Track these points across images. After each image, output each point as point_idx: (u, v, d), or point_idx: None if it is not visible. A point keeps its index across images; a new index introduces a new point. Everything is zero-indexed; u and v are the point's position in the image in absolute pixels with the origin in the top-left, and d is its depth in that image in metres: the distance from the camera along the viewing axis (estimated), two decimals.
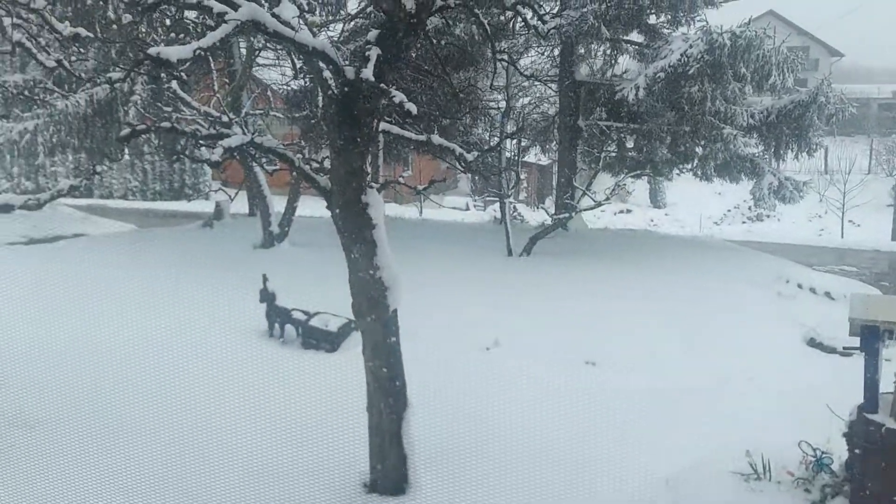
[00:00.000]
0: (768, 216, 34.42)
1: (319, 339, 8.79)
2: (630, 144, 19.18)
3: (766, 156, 17.66)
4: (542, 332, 9.62)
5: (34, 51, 6.14)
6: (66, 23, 6.12)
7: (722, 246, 19.18)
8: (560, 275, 13.58)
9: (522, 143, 21.91)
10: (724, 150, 16.10)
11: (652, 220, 35.73)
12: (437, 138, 5.08)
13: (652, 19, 17.43)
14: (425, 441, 5.62)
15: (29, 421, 6.07)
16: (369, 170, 4.94)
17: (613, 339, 9.42)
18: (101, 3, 5.92)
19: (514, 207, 24.04)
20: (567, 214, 16.21)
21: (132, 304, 9.48)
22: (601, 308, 11.02)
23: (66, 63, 6.41)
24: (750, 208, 34.55)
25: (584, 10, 15.37)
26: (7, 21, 5.63)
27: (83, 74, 10.22)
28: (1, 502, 5.03)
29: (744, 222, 35.27)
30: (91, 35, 6.17)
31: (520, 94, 22.30)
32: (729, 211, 37.07)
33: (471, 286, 12.20)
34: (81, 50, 7.26)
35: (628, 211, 38.36)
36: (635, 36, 18.30)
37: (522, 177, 28.83)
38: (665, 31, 17.48)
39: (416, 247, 15.43)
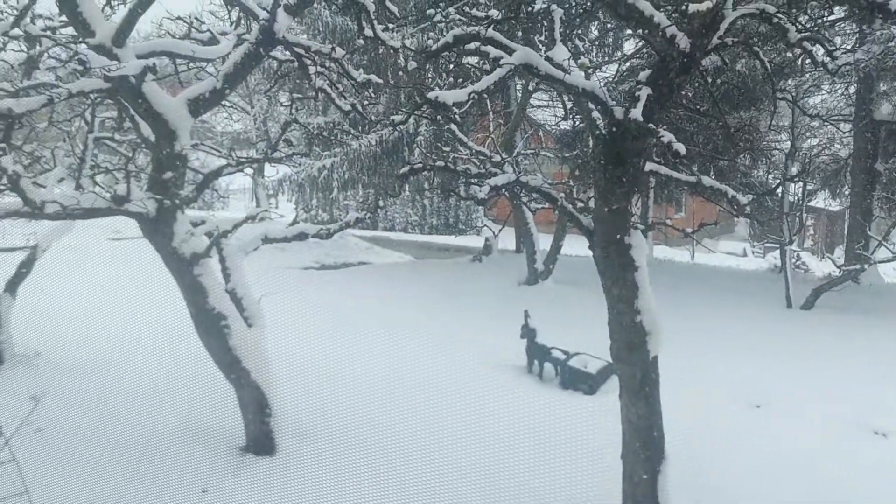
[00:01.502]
0: None
1: (578, 380, 8.69)
2: None
3: None
4: (821, 393, 8.74)
5: (333, 96, 6.78)
6: (360, 70, 6.72)
7: None
8: (847, 332, 12.31)
9: (808, 187, 20.34)
10: None
11: None
12: (708, 179, 4.85)
13: None
14: (680, 496, 5.33)
15: (307, 432, 6.62)
16: (635, 210, 4.83)
17: None
18: (391, 51, 6.40)
19: (798, 256, 22.31)
20: (859, 266, 14.68)
21: (403, 329, 10.09)
22: None
23: (358, 107, 7.00)
24: None
25: (890, 44, 13.99)
26: (312, 69, 6.28)
27: (373, 117, 11.15)
28: None
29: None
30: (381, 81, 6.73)
31: (807, 134, 20.77)
32: None
33: (742, 337, 11.47)
34: (372, 95, 7.91)
35: None
36: None
37: (808, 223, 26.71)
38: None
39: (684, 292, 14.85)
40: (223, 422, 6.41)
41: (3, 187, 7.18)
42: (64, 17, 6.13)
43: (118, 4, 6.66)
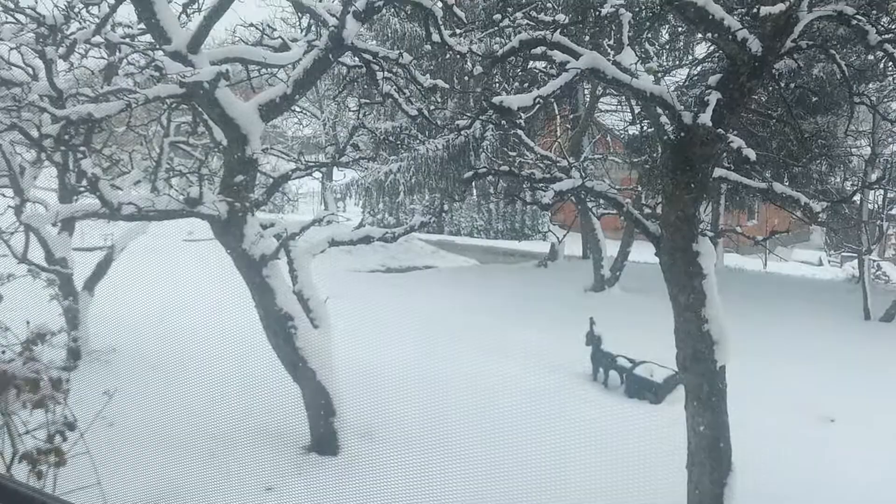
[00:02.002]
0: None
1: (643, 389, 8.57)
2: None
3: None
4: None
5: (400, 101, 6.85)
6: (427, 75, 6.77)
7: None
8: None
9: (890, 194, 19.62)
10: None
11: None
12: (779, 186, 4.73)
13: None
14: None
15: (370, 432, 6.68)
16: (704, 217, 4.75)
17: None
18: (458, 57, 6.43)
19: (877, 266, 21.47)
20: None
21: (468, 333, 10.11)
22: None
23: (425, 112, 7.05)
24: None
25: None
26: (380, 75, 6.35)
27: (440, 122, 11.23)
28: None
29: None
30: (447, 86, 6.77)
31: (889, 139, 20.03)
32: None
33: (816, 349, 11.12)
34: (438, 100, 7.96)
35: None
36: None
37: (889, 232, 25.69)
38: None
39: (755, 302, 14.49)
40: (288, 421, 6.51)
41: (82, 189, 7.49)
42: (142, 25, 6.34)
43: (193, 12, 6.87)
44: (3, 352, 3.74)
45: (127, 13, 6.31)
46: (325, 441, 6.30)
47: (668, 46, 16.59)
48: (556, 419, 6.95)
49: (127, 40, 7.62)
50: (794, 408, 8.21)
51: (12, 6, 7.32)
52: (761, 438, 6.61)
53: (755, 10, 3.95)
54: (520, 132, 8.89)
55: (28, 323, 4.02)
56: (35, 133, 6.76)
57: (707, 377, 4.75)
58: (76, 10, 7.48)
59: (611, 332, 9.18)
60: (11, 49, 7.52)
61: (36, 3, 7.43)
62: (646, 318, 10.71)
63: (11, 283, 4.61)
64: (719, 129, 3.95)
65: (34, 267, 6.77)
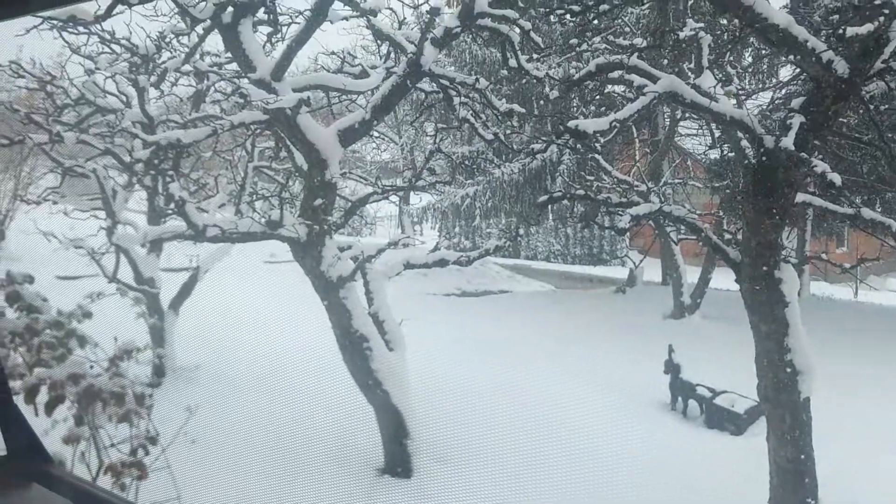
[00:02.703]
0: None
1: (724, 420, 8.32)
2: None
3: None
4: None
5: (476, 125, 6.89)
6: (503, 100, 6.81)
7: None
8: None
9: None
10: None
11: None
12: (868, 212, 4.56)
13: None
14: None
15: (444, 455, 6.67)
16: (787, 243, 4.61)
17: None
18: (535, 81, 6.44)
19: None
20: None
21: (542, 358, 10.01)
22: None
23: (501, 136, 7.07)
24: None
25: None
26: (456, 100, 6.42)
27: (516, 146, 11.25)
28: None
29: None
30: (523, 111, 6.78)
31: None
32: None
33: None
34: (514, 124, 7.97)
35: None
36: None
37: None
38: None
39: (843, 333, 13.91)
40: (362, 442, 6.56)
41: (170, 212, 7.77)
42: (229, 54, 6.58)
43: (277, 41, 7.09)
44: (92, 367, 3.89)
45: (214, 43, 6.57)
46: (398, 463, 6.32)
47: (750, 69, 16.21)
48: (634, 448, 6.80)
49: (214, 69, 7.92)
50: (883, 445, 7.83)
51: (109, 38, 7.69)
52: (847, 476, 6.32)
53: (841, 31, 3.84)
54: (597, 156, 8.82)
55: (115, 339, 4.17)
56: (127, 158, 7.06)
57: (790, 408, 4.59)
58: (167, 40, 7.81)
59: (691, 361, 8.96)
60: (107, 78, 7.90)
61: (130, 34, 7.80)
62: (728, 347, 10.41)
63: (101, 301, 4.80)
64: (802, 154, 3.84)
65: (123, 286, 7.03)
